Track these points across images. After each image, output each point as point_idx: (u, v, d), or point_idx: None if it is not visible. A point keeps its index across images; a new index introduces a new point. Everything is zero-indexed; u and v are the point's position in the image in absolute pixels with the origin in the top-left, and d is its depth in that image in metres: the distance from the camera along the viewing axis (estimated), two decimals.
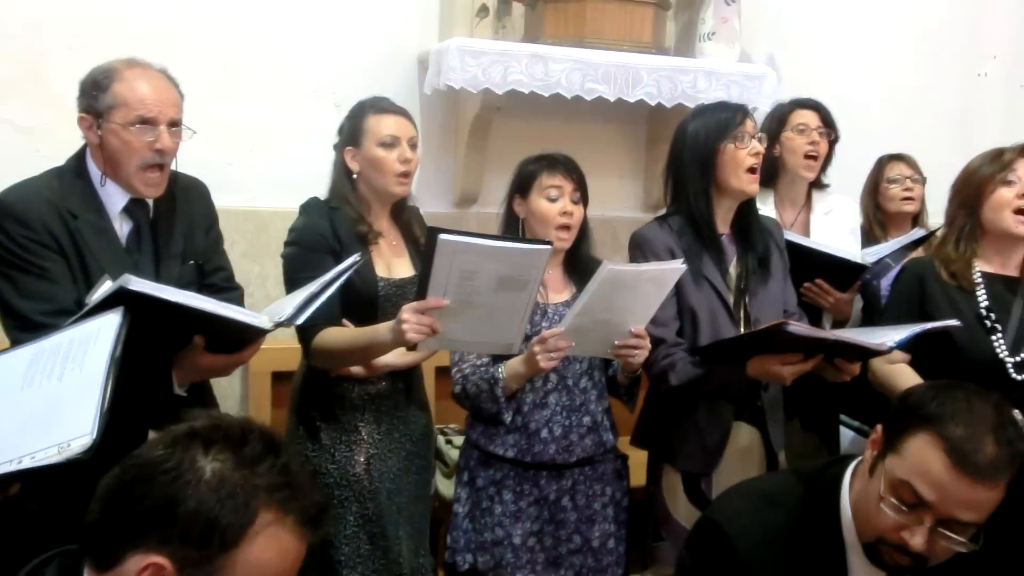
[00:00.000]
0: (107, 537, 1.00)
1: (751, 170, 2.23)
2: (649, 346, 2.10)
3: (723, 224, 2.30)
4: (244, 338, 1.78)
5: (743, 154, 2.21)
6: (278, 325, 1.73)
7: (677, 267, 2.05)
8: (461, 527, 2.32)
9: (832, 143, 2.77)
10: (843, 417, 2.84)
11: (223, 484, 0.99)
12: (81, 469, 1.27)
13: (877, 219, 3.03)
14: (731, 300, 2.26)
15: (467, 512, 2.32)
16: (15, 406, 1.42)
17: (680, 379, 2.17)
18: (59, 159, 1.94)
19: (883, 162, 3.09)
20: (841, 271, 2.55)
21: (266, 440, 1.05)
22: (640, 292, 2.02)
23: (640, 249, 2.28)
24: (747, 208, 2.31)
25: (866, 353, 2.10)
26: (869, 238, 2.91)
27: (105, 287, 1.63)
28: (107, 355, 1.40)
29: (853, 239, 2.80)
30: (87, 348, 1.45)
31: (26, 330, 1.69)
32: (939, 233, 2.47)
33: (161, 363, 1.71)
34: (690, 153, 2.25)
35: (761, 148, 2.25)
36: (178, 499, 0.98)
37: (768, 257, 2.31)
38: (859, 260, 2.56)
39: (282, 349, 2.69)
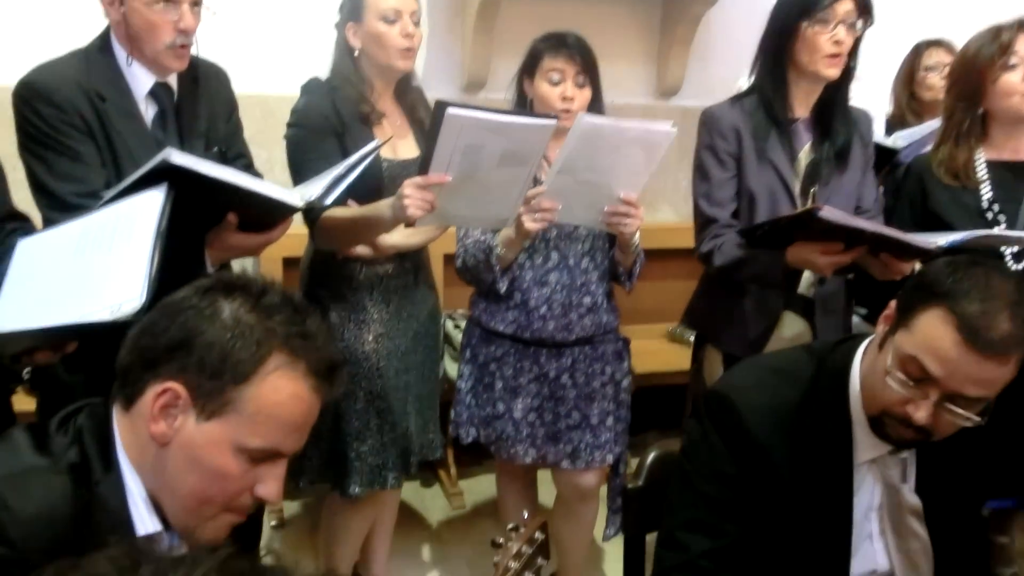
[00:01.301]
0: (132, 373, 1.05)
1: (833, 55, 2.10)
2: (641, 215, 2.09)
3: (802, 108, 2.21)
4: (274, 217, 1.79)
5: (823, 39, 2.08)
6: (309, 204, 1.75)
7: (666, 130, 1.97)
8: (464, 402, 2.40)
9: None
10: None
11: (239, 323, 1.03)
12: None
13: (911, 108, 2.93)
14: (796, 187, 2.20)
15: (470, 388, 2.39)
16: (69, 274, 1.50)
17: (723, 260, 2.15)
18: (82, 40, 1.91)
19: (920, 49, 2.96)
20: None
21: (285, 295, 1.09)
22: (625, 153, 1.97)
23: (706, 127, 2.24)
24: (835, 94, 2.20)
25: (913, 251, 2.00)
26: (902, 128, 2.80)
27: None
28: (153, 228, 1.46)
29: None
30: (134, 222, 1.50)
31: (59, 210, 1.71)
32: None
33: (195, 241, 1.72)
34: (770, 28, 2.17)
35: (845, 38, 2.09)
36: (196, 332, 1.03)
37: (848, 148, 2.21)
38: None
39: (293, 235, 2.68)
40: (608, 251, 2.33)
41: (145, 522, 1.06)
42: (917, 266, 2.06)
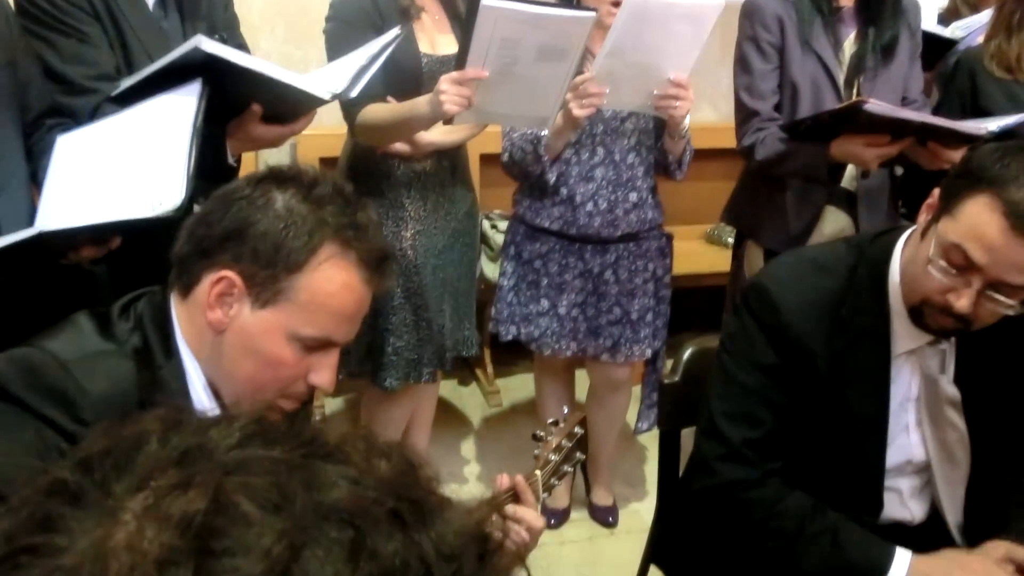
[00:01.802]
0: (189, 262, 1.08)
1: None
2: (691, 97, 2.05)
3: None
4: (298, 109, 1.77)
5: None
6: (335, 96, 1.73)
7: (714, 3, 1.92)
8: (506, 300, 2.43)
9: None
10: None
11: (291, 213, 1.05)
12: (151, 234, 1.35)
13: (968, 1, 2.79)
14: (841, 78, 2.15)
15: (512, 286, 2.42)
16: (110, 171, 1.52)
17: (766, 153, 2.12)
18: None
19: None
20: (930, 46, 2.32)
21: (336, 187, 1.10)
22: (673, 31, 1.93)
23: (748, 18, 2.18)
24: None
25: (962, 138, 1.96)
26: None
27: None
28: (191, 124, 1.47)
29: None
30: (171, 118, 1.50)
31: (74, 95, 1.70)
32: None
33: (217, 131, 1.72)
34: None
35: None
36: (250, 221, 1.05)
37: (896, 37, 2.14)
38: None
39: (329, 135, 2.70)
40: (654, 147, 2.30)
41: (204, 405, 1.10)
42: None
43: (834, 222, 2.22)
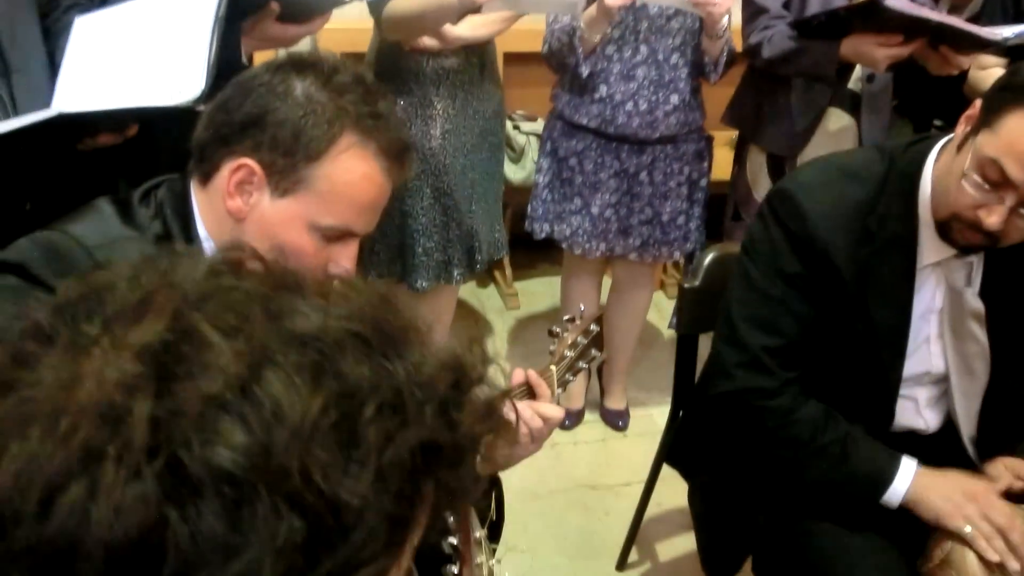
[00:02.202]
0: (208, 149, 1.08)
1: None
2: None
3: None
4: (315, 7, 1.73)
5: None
6: None
7: None
8: (540, 197, 2.42)
9: None
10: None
11: (311, 101, 1.03)
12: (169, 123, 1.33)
13: None
14: None
15: (547, 182, 2.40)
16: (130, 56, 1.50)
17: (773, 51, 2.07)
18: None
19: None
20: None
21: (357, 76, 1.08)
22: None
23: None
24: None
25: (976, 42, 1.93)
26: None
27: None
28: (213, 13, 1.43)
29: None
30: (194, 6, 1.47)
31: None
32: None
33: (232, 28, 1.68)
34: None
35: None
36: (269, 109, 1.03)
37: None
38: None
39: (352, 29, 2.64)
40: (697, 47, 2.25)
41: None
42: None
43: (837, 124, 2.19)
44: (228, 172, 1.05)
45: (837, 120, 2.20)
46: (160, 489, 0.43)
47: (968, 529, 1.31)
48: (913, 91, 2.43)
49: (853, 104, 2.19)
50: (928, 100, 2.58)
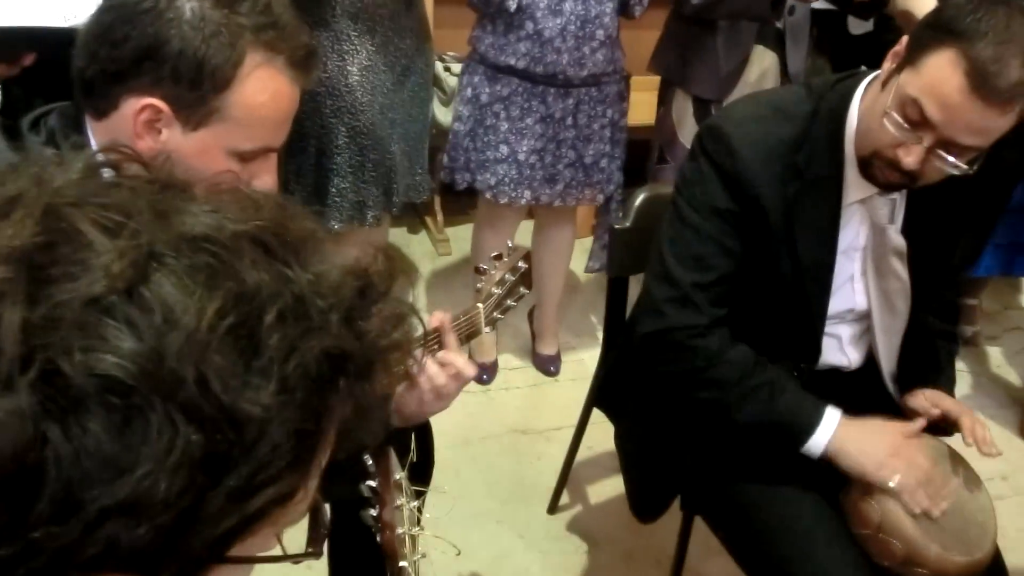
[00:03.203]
0: (98, 84, 1.00)
1: None
2: None
3: None
4: None
5: None
6: None
7: None
8: (461, 146, 2.35)
9: None
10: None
11: (205, 23, 0.96)
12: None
13: None
14: None
15: (468, 131, 2.33)
16: None
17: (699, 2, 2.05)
18: None
19: None
20: None
21: None
22: None
23: None
24: None
25: None
26: None
27: None
28: None
29: None
30: None
31: None
32: None
33: None
34: None
35: None
36: (162, 38, 0.96)
37: None
38: None
39: None
40: None
41: None
42: None
43: (760, 63, 2.19)
44: (132, 113, 0.98)
45: (760, 59, 2.21)
46: (36, 402, 0.39)
47: (892, 483, 1.33)
48: (830, 24, 2.46)
49: (777, 41, 2.20)
50: (845, 34, 2.61)
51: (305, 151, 2.19)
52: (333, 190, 2.21)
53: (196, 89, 0.97)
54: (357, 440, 0.50)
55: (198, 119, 0.99)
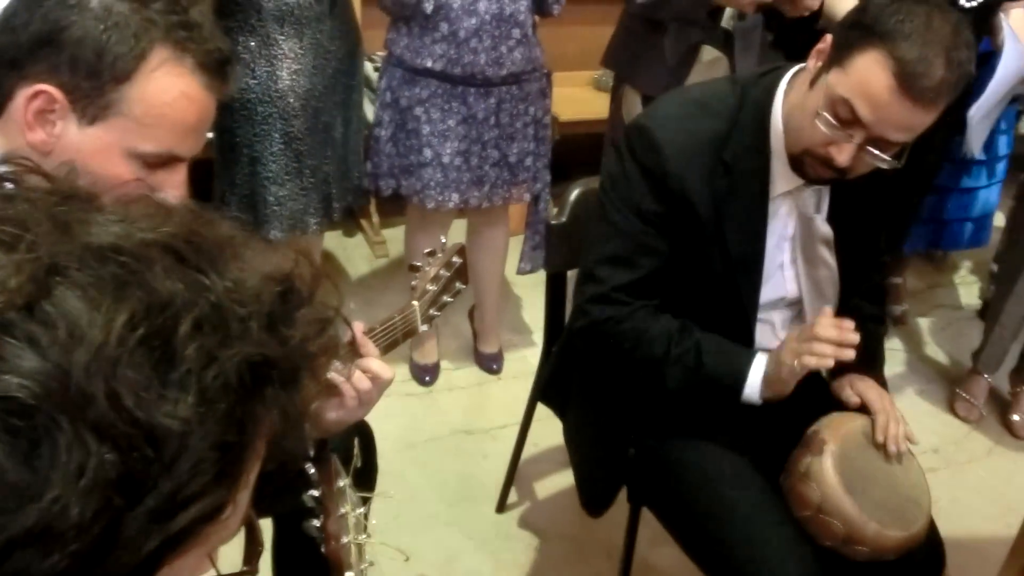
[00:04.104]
0: None
1: None
2: None
3: None
4: None
5: None
6: None
7: None
8: (384, 152, 2.33)
9: None
10: None
11: (111, 14, 0.92)
12: None
13: None
14: None
15: (390, 135, 2.31)
16: None
17: (642, 3, 2.08)
18: None
19: None
20: None
21: None
22: None
23: None
24: None
25: None
26: None
27: None
28: None
29: None
30: None
31: None
32: None
33: None
34: None
35: None
36: (63, 25, 0.92)
37: None
38: None
39: None
40: None
41: None
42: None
43: (709, 63, 2.22)
44: (24, 101, 0.92)
45: (710, 59, 2.22)
46: None
47: (795, 364, 1.33)
48: (783, 27, 2.50)
49: (726, 42, 2.21)
50: (797, 34, 2.66)
51: (238, 161, 2.15)
52: (271, 199, 2.17)
53: (95, 78, 0.92)
54: (287, 450, 0.49)
55: (95, 112, 0.93)
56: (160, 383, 0.41)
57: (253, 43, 2.05)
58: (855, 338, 1.33)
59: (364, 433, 1.50)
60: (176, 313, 0.42)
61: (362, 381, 1.13)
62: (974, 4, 2.16)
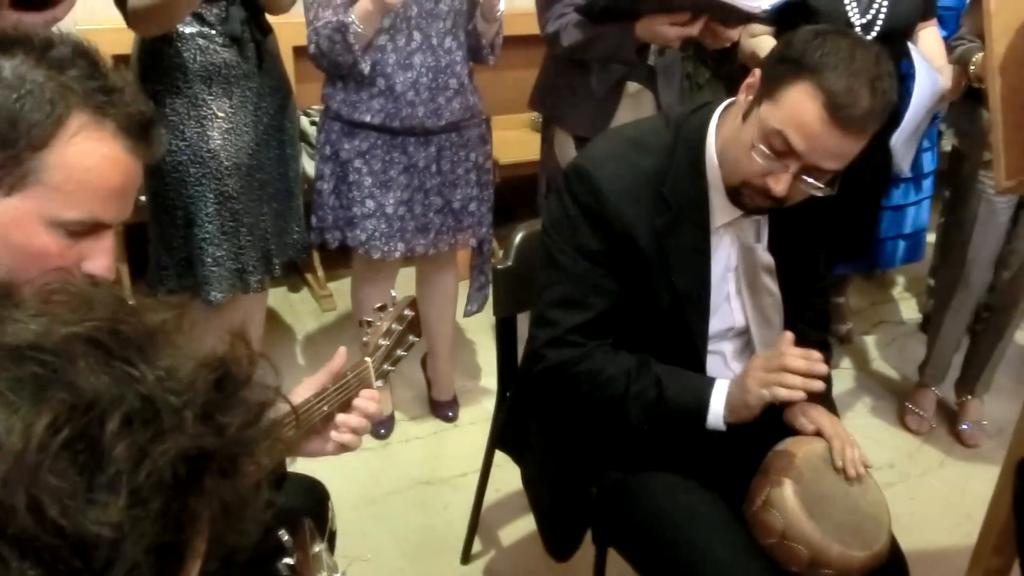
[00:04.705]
0: None
1: None
2: None
3: None
4: None
5: None
6: None
7: None
8: (327, 205, 2.31)
9: None
10: None
11: (24, 82, 0.89)
12: None
13: None
14: None
15: (332, 188, 2.30)
16: None
17: (572, 40, 2.10)
18: None
19: None
20: None
21: (79, 47, 0.94)
22: None
23: None
24: None
25: (740, 16, 2.05)
26: None
27: None
28: None
29: None
30: None
31: None
32: None
33: None
34: None
35: None
36: None
37: None
38: None
39: (115, 29, 2.43)
40: (468, 28, 2.23)
41: None
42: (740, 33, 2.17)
43: (635, 99, 2.26)
44: None
45: (636, 95, 2.26)
46: None
47: (765, 392, 1.34)
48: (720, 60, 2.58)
49: (650, 79, 2.26)
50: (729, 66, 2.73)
51: (173, 223, 2.11)
52: (208, 260, 2.13)
53: (9, 148, 0.89)
54: (232, 541, 0.46)
55: (12, 182, 0.90)
56: (87, 487, 0.39)
57: (181, 105, 2.02)
58: (823, 369, 1.35)
59: (320, 494, 1.46)
60: (103, 411, 0.40)
61: (352, 441, 1.19)
62: (873, 35, 2.26)
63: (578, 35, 2.09)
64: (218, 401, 0.45)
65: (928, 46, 2.40)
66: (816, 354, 1.36)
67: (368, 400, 1.25)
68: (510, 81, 2.47)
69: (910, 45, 2.40)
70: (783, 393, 1.33)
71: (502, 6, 2.14)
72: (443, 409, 2.70)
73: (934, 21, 2.45)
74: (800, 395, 1.34)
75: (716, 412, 1.41)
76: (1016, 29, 1.42)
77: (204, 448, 0.43)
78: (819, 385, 1.34)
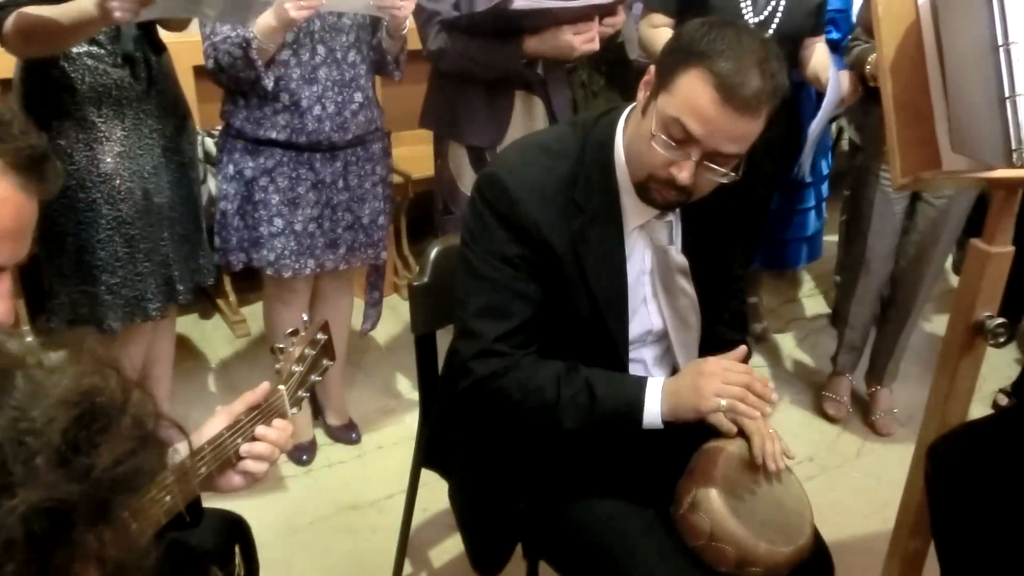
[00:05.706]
0: None
1: None
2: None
3: None
4: None
5: None
6: None
7: None
8: (232, 226, 2.24)
9: None
10: None
11: None
12: None
13: None
14: None
15: (236, 208, 2.23)
16: None
17: (456, 57, 2.11)
18: None
19: None
20: None
21: None
22: None
23: None
24: None
25: (603, 9, 2.11)
26: None
27: None
28: None
29: None
30: None
31: None
32: None
33: None
34: None
35: None
36: None
37: None
38: None
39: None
40: (371, 42, 2.20)
41: None
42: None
43: (527, 107, 2.27)
44: None
45: (527, 103, 2.27)
46: None
47: (723, 403, 1.35)
48: (614, 58, 2.61)
49: (542, 84, 2.27)
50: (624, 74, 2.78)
51: (64, 251, 2.01)
52: (103, 288, 2.04)
53: None
54: None
55: None
56: None
57: (69, 128, 1.93)
58: (774, 398, 1.39)
59: (240, 530, 1.41)
60: None
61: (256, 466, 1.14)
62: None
63: (464, 54, 2.10)
64: (83, 439, 0.41)
65: (818, 59, 2.49)
66: (770, 384, 1.39)
67: (278, 430, 1.19)
68: (418, 95, 2.44)
69: (824, 49, 2.49)
70: (742, 407, 1.35)
71: (408, 23, 2.13)
72: (344, 432, 2.64)
73: (822, 37, 2.54)
74: (756, 414, 1.35)
75: (652, 411, 1.40)
76: (903, 32, 1.47)
77: (62, 499, 0.39)
78: (769, 411, 1.37)
